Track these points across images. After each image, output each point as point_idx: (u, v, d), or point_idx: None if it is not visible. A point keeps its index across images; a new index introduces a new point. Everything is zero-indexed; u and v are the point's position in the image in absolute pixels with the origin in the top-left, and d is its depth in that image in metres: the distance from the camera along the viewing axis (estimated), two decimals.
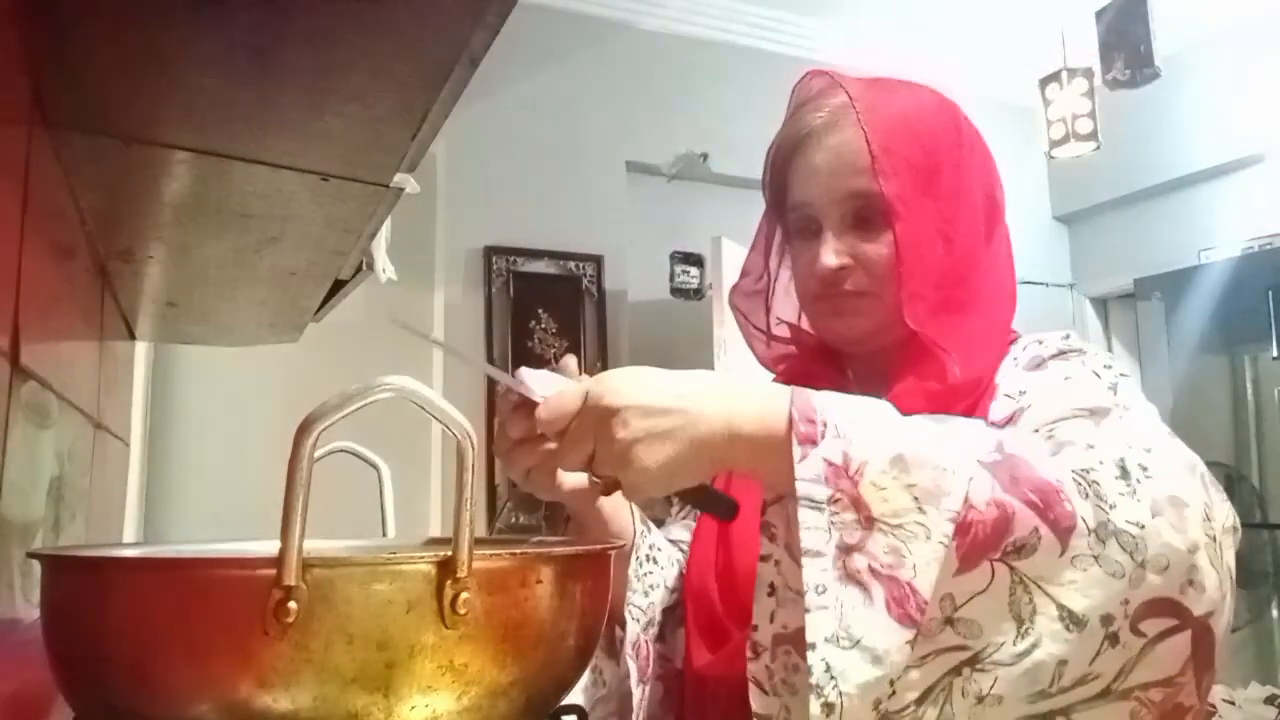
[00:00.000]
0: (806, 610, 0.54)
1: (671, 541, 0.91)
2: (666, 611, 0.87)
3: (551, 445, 0.65)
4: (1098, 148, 3.29)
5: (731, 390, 0.62)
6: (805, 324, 0.90)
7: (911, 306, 0.77)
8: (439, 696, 0.48)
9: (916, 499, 0.55)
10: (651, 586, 0.86)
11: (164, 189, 0.75)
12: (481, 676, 0.50)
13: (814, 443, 0.58)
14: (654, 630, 0.85)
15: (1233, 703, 2.91)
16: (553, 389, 0.63)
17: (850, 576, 0.55)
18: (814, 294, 0.83)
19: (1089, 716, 0.55)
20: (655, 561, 0.87)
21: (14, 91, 0.57)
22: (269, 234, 0.87)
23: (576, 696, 0.61)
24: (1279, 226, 3.36)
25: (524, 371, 0.66)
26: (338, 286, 1.13)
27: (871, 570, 0.54)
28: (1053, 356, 0.76)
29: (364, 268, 1.09)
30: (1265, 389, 3.42)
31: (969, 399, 0.75)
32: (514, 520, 2.76)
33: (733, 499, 0.68)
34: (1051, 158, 3.44)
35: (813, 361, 0.88)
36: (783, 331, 0.92)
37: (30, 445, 0.67)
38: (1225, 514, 0.59)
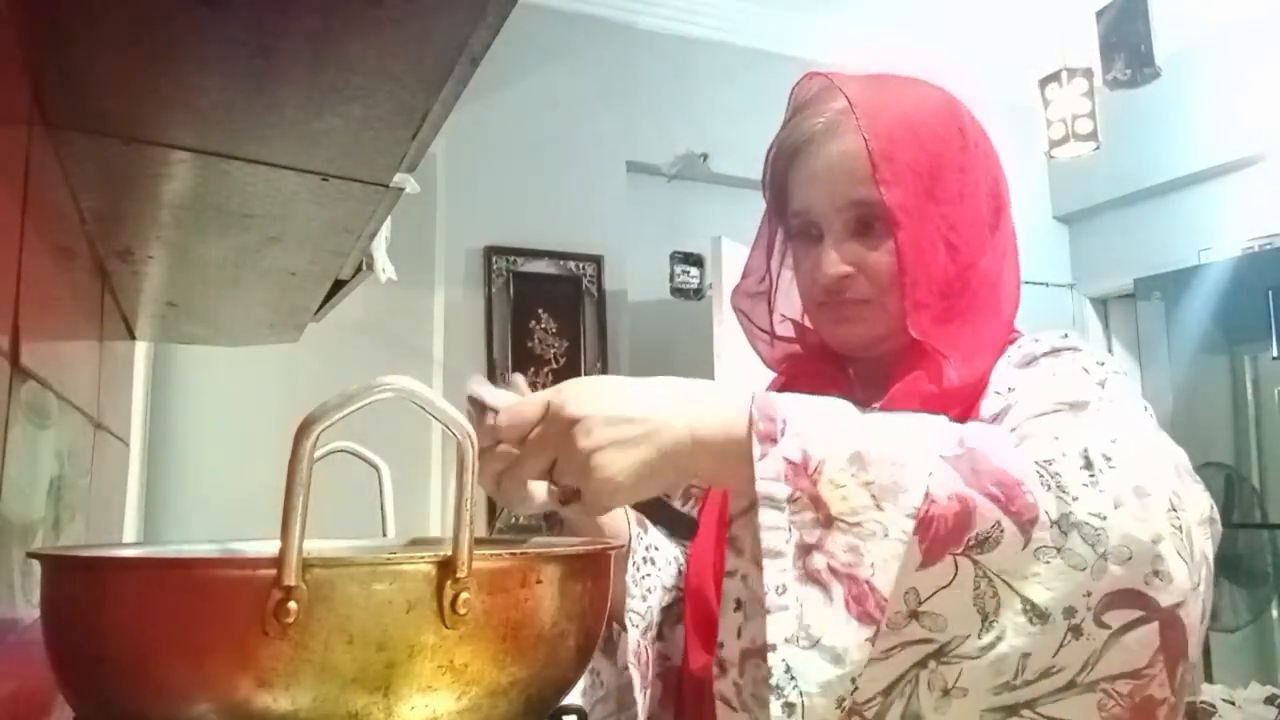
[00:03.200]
0: (767, 611, 0.54)
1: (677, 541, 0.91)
2: (664, 610, 0.87)
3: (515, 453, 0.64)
4: (1098, 148, 3.29)
5: (694, 396, 0.62)
6: (808, 321, 0.90)
7: (915, 316, 0.77)
8: (439, 696, 0.48)
9: (874, 496, 0.55)
10: (649, 590, 0.86)
11: (164, 189, 0.75)
12: (481, 677, 0.50)
13: (774, 441, 0.57)
14: (653, 632, 0.85)
15: (1233, 703, 2.91)
16: (505, 402, 0.64)
17: (810, 576, 0.54)
18: (817, 301, 0.83)
19: (1056, 709, 0.55)
20: (653, 563, 0.87)
21: (14, 91, 0.57)
22: (269, 234, 0.87)
23: (575, 698, 0.61)
24: (1279, 226, 3.36)
25: (477, 381, 0.66)
26: (338, 286, 1.13)
27: (831, 569, 0.54)
28: (1045, 354, 0.76)
29: (364, 268, 1.09)
30: (1265, 389, 3.42)
31: (965, 401, 0.75)
32: (514, 520, 2.76)
33: (692, 519, 0.67)
34: (1051, 158, 3.44)
35: (816, 360, 0.88)
36: (786, 330, 0.92)
37: (30, 445, 0.67)
38: (1200, 505, 0.59)
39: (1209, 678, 3.21)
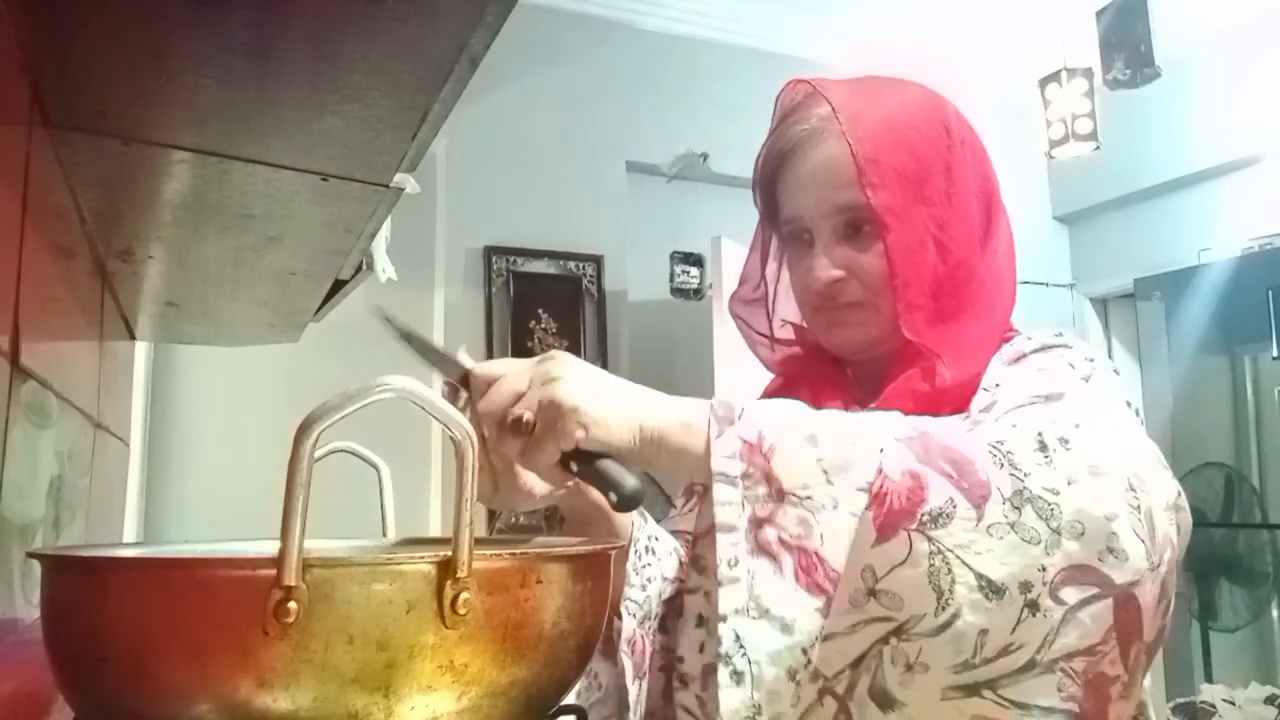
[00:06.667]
0: (719, 584, 0.55)
1: (675, 533, 0.91)
2: (667, 602, 0.86)
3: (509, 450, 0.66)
4: (1097, 148, 3.29)
5: (660, 395, 0.65)
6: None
7: (908, 317, 0.77)
8: (439, 696, 0.48)
9: (825, 471, 0.57)
10: (649, 579, 0.85)
11: (164, 189, 0.75)
12: (481, 677, 0.50)
13: (731, 423, 0.60)
14: (652, 623, 0.85)
15: (1233, 703, 2.91)
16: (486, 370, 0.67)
17: (761, 549, 0.56)
18: (812, 306, 0.83)
19: (1016, 692, 0.55)
20: (653, 552, 0.87)
21: (14, 91, 0.57)
22: (269, 234, 0.87)
23: (570, 701, 0.62)
24: (1279, 226, 3.36)
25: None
26: (338, 286, 1.13)
27: (781, 541, 0.56)
28: (1034, 351, 0.76)
29: (364, 268, 1.09)
30: (1265, 389, 3.42)
31: (959, 400, 0.75)
32: (514, 520, 2.76)
33: (638, 484, 0.64)
34: (1051, 158, 3.44)
35: (815, 361, 0.89)
36: (786, 333, 0.92)
37: (30, 445, 0.67)
38: (1166, 491, 0.60)
39: (1209, 678, 3.21)
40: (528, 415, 0.63)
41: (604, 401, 0.62)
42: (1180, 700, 3.05)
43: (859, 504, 0.55)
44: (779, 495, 0.56)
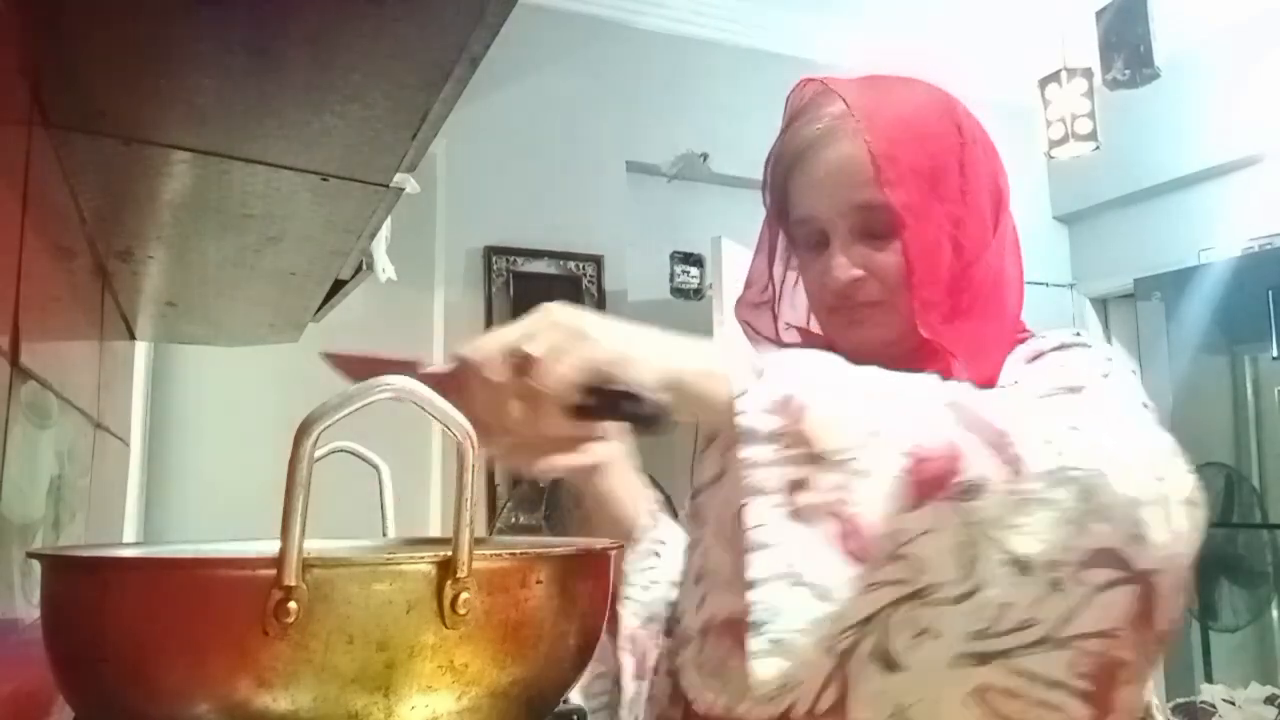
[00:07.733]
0: (748, 549, 0.53)
1: None
2: (674, 605, 0.86)
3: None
4: (1097, 148, 3.29)
5: (674, 337, 0.62)
6: (814, 325, 0.90)
7: (924, 314, 0.77)
8: (439, 696, 0.48)
9: (863, 434, 0.54)
10: (653, 581, 0.85)
11: (164, 189, 0.76)
12: (481, 676, 0.50)
13: (759, 377, 0.57)
14: (656, 625, 0.85)
15: (1233, 703, 2.92)
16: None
17: (797, 513, 0.54)
18: (829, 306, 0.83)
19: (1029, 663, 0.55)
20: (657, 555, 0.86)
21: (14, 91, 0.57)
22: (269, 234, 0.87)
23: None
24: (1279, 226, 3.36)
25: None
26: (338, 286, 1.13)
27: (819, 506, 0.53)
28: (1053, 349, 0.76)
29: (364, 268, 1.09)
30: (1265, 389, 3.42)
31: None
32: (514, 520, 2.76)
33: (658, 402, 0.58)
34: (1051, 158, 3.44)
35: None
36: (792, 336, 0.92)
37: (30, 445, 0.67)
38: (1185, 485, 0.59)
39: (1209, 678, 3.21)
40: (530, 349, 0.57)
41: (615, 337, 0.58)
42: (1180, 700, 3.06)
43: (896, 469, 0.53)
44: (814, 458, 0.54)
